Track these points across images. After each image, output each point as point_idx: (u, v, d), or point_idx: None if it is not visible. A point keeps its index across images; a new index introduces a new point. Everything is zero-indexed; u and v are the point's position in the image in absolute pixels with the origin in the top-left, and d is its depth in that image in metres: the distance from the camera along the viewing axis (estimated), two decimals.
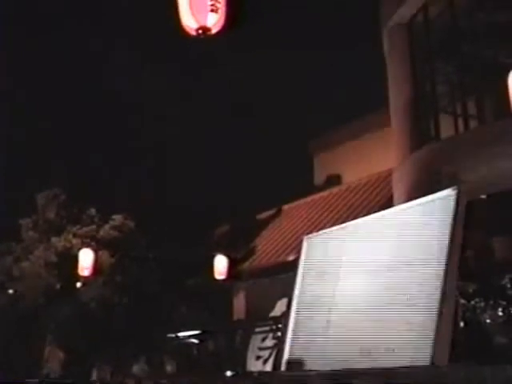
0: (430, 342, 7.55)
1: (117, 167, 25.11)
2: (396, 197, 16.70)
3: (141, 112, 26.24)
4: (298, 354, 10.12)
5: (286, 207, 23.48)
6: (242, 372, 17.26)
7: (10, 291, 22.12)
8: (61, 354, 21.67)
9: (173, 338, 20.56)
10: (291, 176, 24.75)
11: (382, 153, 19.26)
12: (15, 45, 25.85)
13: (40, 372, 21.78)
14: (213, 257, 20.67)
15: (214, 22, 7.05)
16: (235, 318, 21.31)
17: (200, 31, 7.03)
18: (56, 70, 27.13)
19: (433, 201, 8.48)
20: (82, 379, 20.88)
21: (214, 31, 7.10)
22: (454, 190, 8.12)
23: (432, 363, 7.32)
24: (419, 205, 8.75)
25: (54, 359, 21.62)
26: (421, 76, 16.78)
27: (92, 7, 26.18)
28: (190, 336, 20.06)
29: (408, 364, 7.66)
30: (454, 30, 15.99)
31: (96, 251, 20.98)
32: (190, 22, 7.08)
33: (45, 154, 25.62)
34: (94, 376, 22.17)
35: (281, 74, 26.17)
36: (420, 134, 16.33)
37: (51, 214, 22.52)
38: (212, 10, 7.03)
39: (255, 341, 18.23)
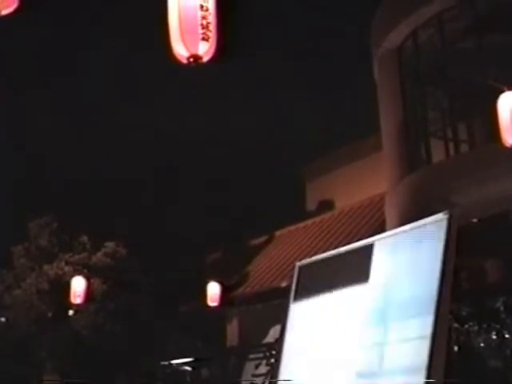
0: (424, 366, 7.54)
1: (109, 192, 25.06)
2: (388, 221, 16.73)
3: (136, 137, 26.22)
4: (291, 381, 10.08)
5: (278, 233, 23.46)
6: None
7: (2, 319, 22.00)
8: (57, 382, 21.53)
9: (166, 365, 20.45)
10: (284, 202, 24.75)
11: (374, 177, 19.31)
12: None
13: None
14: (206, 283, 20.62)
15: (205, 50, 7.09)
16: (229, 344, 21.24)
17: (191, 59, 7.07)
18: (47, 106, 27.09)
19: (425, 225, 8.50)
20: None
21: (205, 59, 7.14)
22: (445, 214, 8.14)
23: None
24: (411, 229, 8.77)
25: None
26: (411, 101, 16.88)
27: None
28: (184, 363, 19.95)
29: None
30: (443, 55, 16.11)
31: (88, 278, 20.90)
32: (181, 50, 7.13)
33: (37, 180, 25.56)
34: None
35: (273, 101, 26.24)
36: (411, 158, 16.39)
37: (43, 242, 22.41)
38: (203, 39, 7.07)
39: (249, 367, 18.17)
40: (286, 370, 10.28)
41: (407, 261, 8.54)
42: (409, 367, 7.82)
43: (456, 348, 12.66)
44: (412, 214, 13.31)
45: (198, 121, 26.02)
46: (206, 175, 26.59)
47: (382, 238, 9.55)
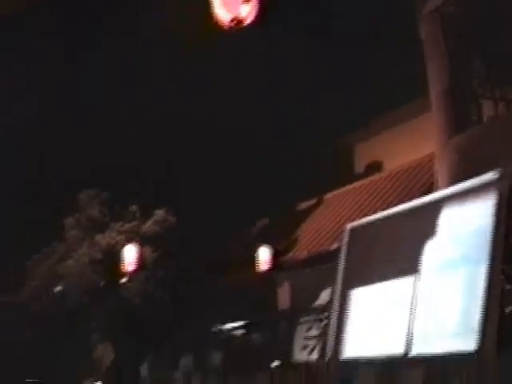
0: (476, 328, 7.47)
1: (158, 161, 25.10)
2: (440, 181, 16.55)
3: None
4: (343, 343, 10.10)
5: (327, 196, 23.39)
6: (288, 362, 17.27)
7: (56, 289, 22.30)
8: (110, 351, 21.86)
9: (218, 330, 20.63)
10: (332, 165, 24.58)
11: (423, 138, 19.08)
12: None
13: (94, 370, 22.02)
14: (256, 249, 20.68)
15: (247, 13, 7.09)
16: (280, 308, 21.31)
17: (233, 23, 7.07)
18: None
19: (475, 185, 8.40)
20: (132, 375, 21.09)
21: (246, 22, 7.13)
22: (496, 173, 8.03)
23: (479, 349, 7.24)
24: (461, 190, 8.68)
25: (105, 356, 21.83)
26: (459, 61, 16.59)
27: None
28: (236, 328, 20.10)
29: (455, 350, 7.60)
30: (490, 12, 15.77)
31: (139, 247, 21.11)
32: (222, 14, 7.14)
33: (84, 153, 25.69)
34: (144, 371, 22.36)
35: (319, 64, 25.97)
36: (460, 118, 16.14)
37: (94, 212, 22.65)
38: (244, 2, 7.06)
39: (301, 330, 18.23)
40: (337, 332, 10.29)
41: (459, 221, 8.45)
42: (461, 332, 7.75)
43: (508, 310, 12.52)
44: (462, 174, 13.14)
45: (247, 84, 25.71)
46: (254, 138, 26.47)
47: (433, 199, 9.47)
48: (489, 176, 8.14)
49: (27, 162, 25.13)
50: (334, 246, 17.59)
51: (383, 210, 13.45)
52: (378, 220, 10.71)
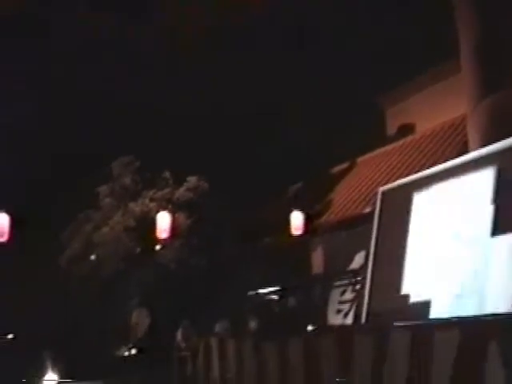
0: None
1: (189, 127, 25.10)
2: (471, 143, 16.42)
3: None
4: (377, 306, 10.12)
5: (359, 160, 23.31)
6: (322, 326, 17.32)
7: (92, 257, 22.49)
8: (146, 317, 22.02)
9: (253, 295, 20.72)
10: (364, 128, 24.43)
11: (455, 99, 18.91)
12: None
13: (130, 335, 22.18)
14: (289, 213, 20.68)
15: None
16: (314, 272, 21.34)
17: None
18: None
19: (508, 145, 8.34)
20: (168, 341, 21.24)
21: None
22: None
23: None
24: (493, 150, 8.62)
25: (141, 322, 21.98)
26: (489, 21, 16.35)
27: None
28: (271, 293, 20.18)
29: (491, 311, 7.58)
30: None
31: (173, 214, 21.19)
32: None
33: (116, 122, 25.72)
34: (179, 336, 22.54)
35: (351, 27, 25.74)
36: (491, 81, 15.95)
37: (127, 180, 22.76)
38: None
39: (335, 294, 18.27)
40: (371, 295, 10.30)
41: (489, 181, 8.40)
42: (497, 293, 7.73)
43: None
44: (493, 135, 13.03)
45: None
46: (287, 103, 26.39)
47: (463, 161, 9.42)
48: None
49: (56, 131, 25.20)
50: (367, 209, 17.57)
51: (416, 172, 13.39)
52: (411, 183, 10.67)
